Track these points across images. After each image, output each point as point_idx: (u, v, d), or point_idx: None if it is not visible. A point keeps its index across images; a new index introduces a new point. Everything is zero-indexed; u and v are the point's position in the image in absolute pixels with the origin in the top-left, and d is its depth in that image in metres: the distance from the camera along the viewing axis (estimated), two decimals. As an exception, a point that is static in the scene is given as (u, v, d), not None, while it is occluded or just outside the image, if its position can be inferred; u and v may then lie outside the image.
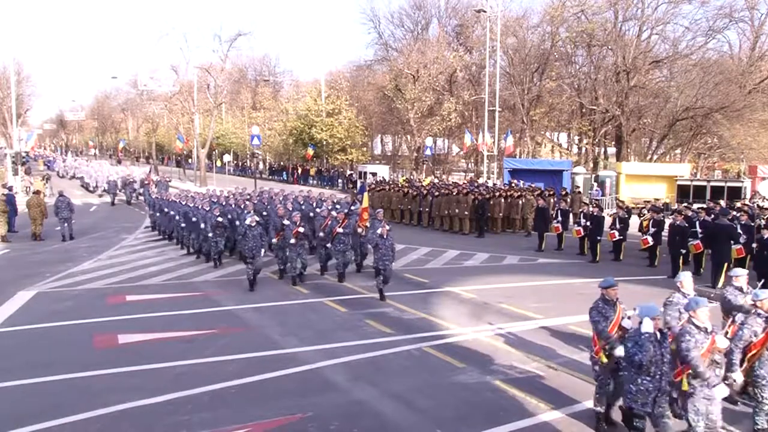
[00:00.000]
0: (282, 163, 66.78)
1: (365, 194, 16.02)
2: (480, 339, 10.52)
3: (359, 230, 15.04)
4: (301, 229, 14.43)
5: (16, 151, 42.20)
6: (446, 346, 10.05)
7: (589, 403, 7.54)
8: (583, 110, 45.23)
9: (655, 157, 43.63)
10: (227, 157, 63.46)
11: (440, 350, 9.84)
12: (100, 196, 40.41)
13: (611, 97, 42.14)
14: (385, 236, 12.87)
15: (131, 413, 7.60)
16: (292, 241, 14.31)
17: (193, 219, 17.65)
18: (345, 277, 14.97)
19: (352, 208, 16.90)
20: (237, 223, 16.60)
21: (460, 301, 13.26)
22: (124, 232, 24.03)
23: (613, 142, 46.39)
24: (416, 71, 47.69)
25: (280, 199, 19.98)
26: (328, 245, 15.08)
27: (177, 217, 19.39)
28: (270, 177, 62.21)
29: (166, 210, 21.45)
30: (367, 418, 7.49)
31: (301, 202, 18.95)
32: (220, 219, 16.51)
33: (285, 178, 60.09)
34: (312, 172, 56.70)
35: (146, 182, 33.90)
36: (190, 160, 64.43)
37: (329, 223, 15.09)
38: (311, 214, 17.53)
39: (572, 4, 43.04)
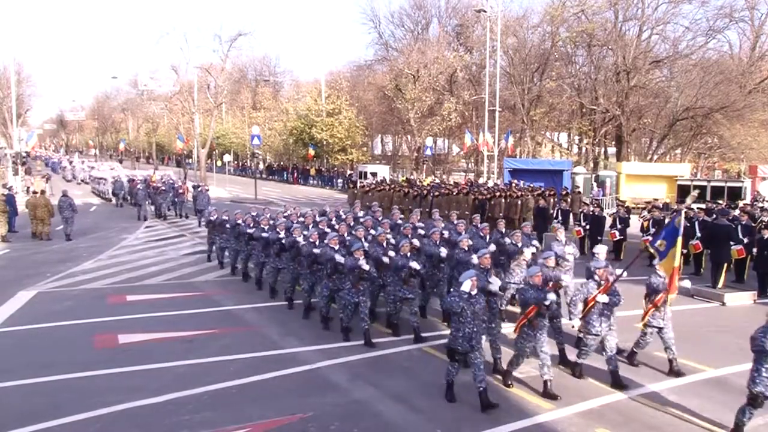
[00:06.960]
0: (282, 163, 66.83)
1: (677, 242, 8.47)
2: (480, 339, 10.52)
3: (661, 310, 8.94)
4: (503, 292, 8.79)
5: (16, 151, 42.21)
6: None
7: (589, 403, 7.72)
8: (583, 110, 45.26)
9: (655, 157, 43.65)
10: (227, 157, 63.51)
11: (440, 350, 9.81)
12: (120, 205, 33.92)
13: (611, 97, 42.16)
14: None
15: (131, 413, 7.60)
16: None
17: (316, 254, 11.22)
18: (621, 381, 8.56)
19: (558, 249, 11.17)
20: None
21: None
22: (125, 232, 24.03)
23: (613, 142, 46.40)
24: (416, 71, 47.69)
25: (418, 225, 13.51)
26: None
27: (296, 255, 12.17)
28: (269, 177, 62.24)
29: (245, 231, 14.17)
30: (367, 418, 7.49)
31: (445, 234, 12.20)
32: (366, 267, 10.19)
33: (285, 178, 60.16)
34: (312, 172, 56.75)
35: (180, 191, 30.57)
36: (190, 160, 64.45)
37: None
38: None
39: (572, 4, 43.10)
